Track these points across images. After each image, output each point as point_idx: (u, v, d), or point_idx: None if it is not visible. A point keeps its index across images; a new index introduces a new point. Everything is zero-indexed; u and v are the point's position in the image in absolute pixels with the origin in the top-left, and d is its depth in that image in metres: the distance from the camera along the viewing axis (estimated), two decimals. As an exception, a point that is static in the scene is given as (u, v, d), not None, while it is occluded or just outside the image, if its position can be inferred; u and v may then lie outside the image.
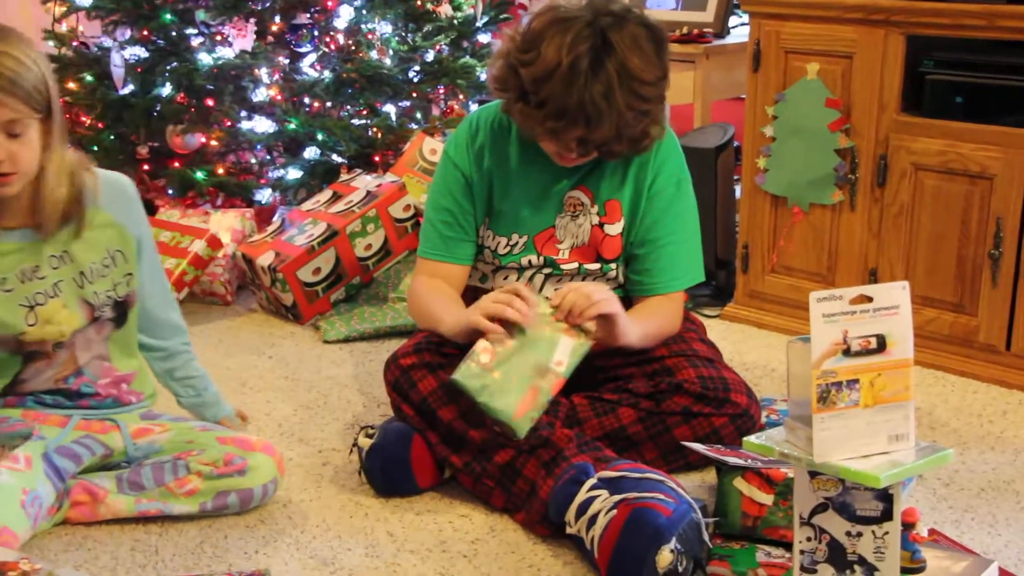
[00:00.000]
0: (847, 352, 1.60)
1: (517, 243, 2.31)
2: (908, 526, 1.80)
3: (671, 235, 2.30)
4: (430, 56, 3.84)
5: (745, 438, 1.74)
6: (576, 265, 2.30)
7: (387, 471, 2.16)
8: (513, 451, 2.07)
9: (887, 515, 1.64)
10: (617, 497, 1.88)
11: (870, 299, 1.61)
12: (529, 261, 2.30)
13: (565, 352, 2.05)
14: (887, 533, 1.65)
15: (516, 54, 2.13)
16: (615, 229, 2.30)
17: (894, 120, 2.81)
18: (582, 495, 1.93)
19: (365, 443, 2.17)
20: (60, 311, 2.02)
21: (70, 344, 2.05)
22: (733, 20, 3.82)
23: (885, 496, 1.64)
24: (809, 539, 1.69)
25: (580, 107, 2.05)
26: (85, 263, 2.04)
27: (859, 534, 1.65)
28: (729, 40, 3.70)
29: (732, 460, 1.95)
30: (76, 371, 2.08)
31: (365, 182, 3.32)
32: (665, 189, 2.29)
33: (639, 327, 2.19)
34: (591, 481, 1.94)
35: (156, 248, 2.20)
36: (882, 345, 1.62)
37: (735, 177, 3.38)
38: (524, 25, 2.15)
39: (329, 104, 3.65)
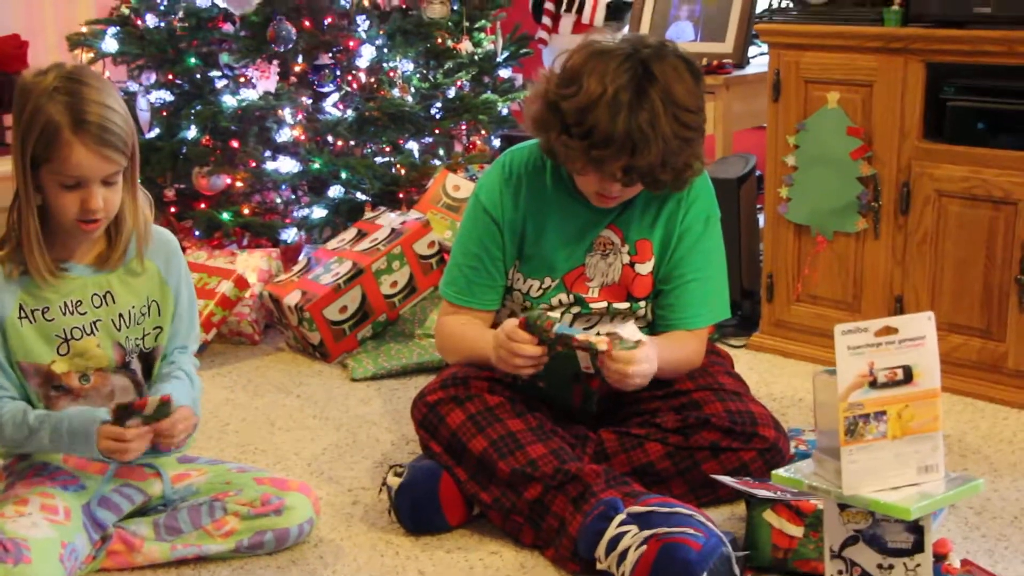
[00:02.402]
0: (873, 384, 1.60)
1: (550, 286, 2.32)
2: (940, 557, 1.79)
3: (697, 271, 2.30)
4: (452, 93, 3.87)
5: (774, 471, 1.74)
6: (605, 304, 2.31)
7: (416, 509, 2.17)
8: (541, 487, 2.07)
9: (918, 547, 1.64)
10: (647, 532, 1.88)
11: (895, 330, 1.61)
12: (559, 300, 2.31)
13: (586, 361, 2.11)
14: (919, 565, 1.64)
15: (556, 90, 2.13)
16: (646, 268, 2.31)
17: (916, 147, 2.81)
18: (611, 531, 1.93)
19: (394, 482, 2.18)
20: (93, 348, 2.04)
21: (109, 393, 2.07)
22: (753, 50, 3.83)
23: (916, 528, 1.64)
24: (840, 572, 1.69)
25: (627, 134, 2.04)
26: (125, 306, 2.06)
27: (891, 566, 1.65)
28: (749, 70, 3.71)
29: (761, 492, 1.95)
30: None
31: (389, 220, 3.34)
32: (694, 226, 2.29)
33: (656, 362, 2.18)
34: (620, 516, 1.94)
35: (195, 295, 2.22)
36: (909, 376, 1.62)
37: (758, 206, 3.38)
38: (560, 63, 2.16)
39: (352, 143, 3.69)
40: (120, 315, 2.06)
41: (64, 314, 2.02)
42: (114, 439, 1.94)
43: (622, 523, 1.93)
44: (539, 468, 2.07)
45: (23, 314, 2.00)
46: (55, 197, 1.94)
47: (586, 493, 2.03)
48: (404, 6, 3.77)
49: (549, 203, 2.30)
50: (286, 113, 3.58)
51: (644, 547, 1.86)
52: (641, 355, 2.06)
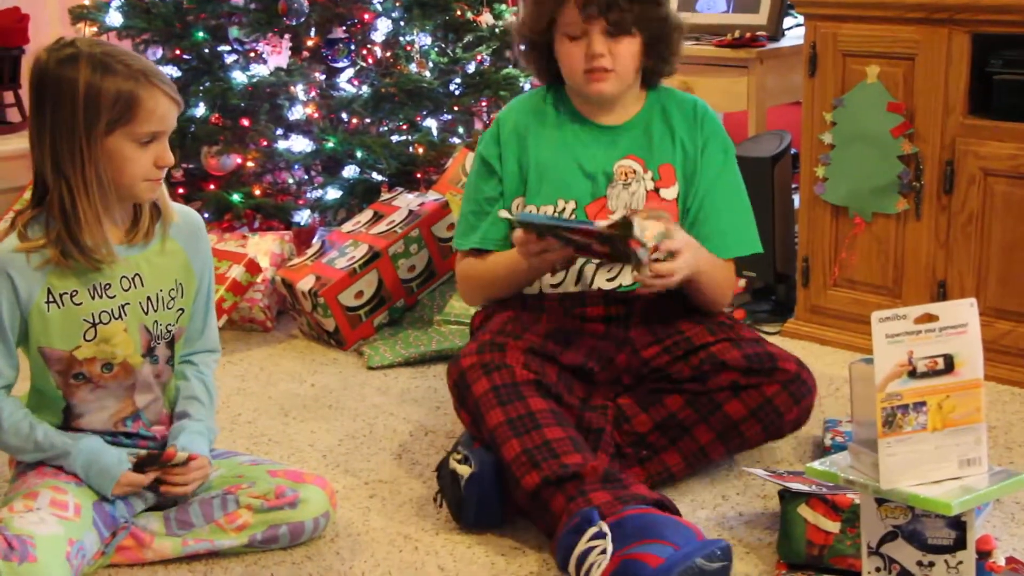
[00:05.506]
0: (913, 373, 1.61)
1: (564, 209, 2.36)
2: (984, 554, 1.80)
3: (723, 202, 2.39)
4: (471, 67, 3.88)
5: (808, 464, 1.76)
6: None
7: (483, 502, 2.16)
8: (539, 481, 2.05)
9: (960, 544, 1.65)
10: (612, 548, 1.88)
11: (936, 317, 1.62)
12: None
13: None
14: (961, 563, 1.65)
15: None
16: (671, 193, 2.37)
17: (960, 124, 2.81)
18: (581, 545, 1.93)
19: (464, 471, 2.16)
20: (119, 333, 2.07)
21: (130, 386, 2.11)
22: (788, 21, 3.83)
23: (957, 524, 1.65)
24: (879, 569, 1.71)
25: None
26: (154, 290, 2.10)
27: (931, 564, 1.66)
28: (784, 43, 3.71)
29: (796, 486, 1.97)
30: (134, 414, 2.13)
31: (407, 201, 3.36)
32: (715, 156, 2.40)
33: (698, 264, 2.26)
34: (592, 530, 1.93)
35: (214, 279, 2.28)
36: (950, 365, 1.63)
37: (793, 186, 3.38)
38: None
39: (368, 120, 3.70)
40: (148, 298, 2.09)
41: (93, 298, 2.05)
42: (130, 485, 2.06)
43: (593, 537, 1.92)
44: (546, 458, 2.06)
45: (51, 298, 2.02)
46: (126, 161, 1.98)
47: (577, 496, 2.01)
48: (421, -23, 3.79)
49: (558, 134, 2.40)
50: (298, 90, 3.60)
51: (606, 563, 1.87)
52: (679, 247, 2.15)
